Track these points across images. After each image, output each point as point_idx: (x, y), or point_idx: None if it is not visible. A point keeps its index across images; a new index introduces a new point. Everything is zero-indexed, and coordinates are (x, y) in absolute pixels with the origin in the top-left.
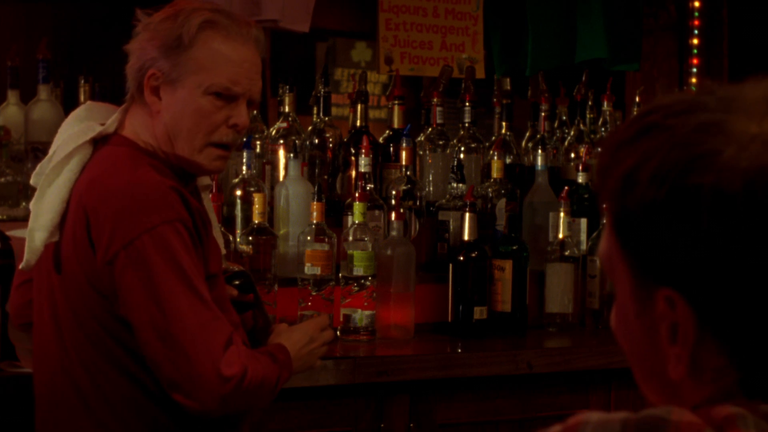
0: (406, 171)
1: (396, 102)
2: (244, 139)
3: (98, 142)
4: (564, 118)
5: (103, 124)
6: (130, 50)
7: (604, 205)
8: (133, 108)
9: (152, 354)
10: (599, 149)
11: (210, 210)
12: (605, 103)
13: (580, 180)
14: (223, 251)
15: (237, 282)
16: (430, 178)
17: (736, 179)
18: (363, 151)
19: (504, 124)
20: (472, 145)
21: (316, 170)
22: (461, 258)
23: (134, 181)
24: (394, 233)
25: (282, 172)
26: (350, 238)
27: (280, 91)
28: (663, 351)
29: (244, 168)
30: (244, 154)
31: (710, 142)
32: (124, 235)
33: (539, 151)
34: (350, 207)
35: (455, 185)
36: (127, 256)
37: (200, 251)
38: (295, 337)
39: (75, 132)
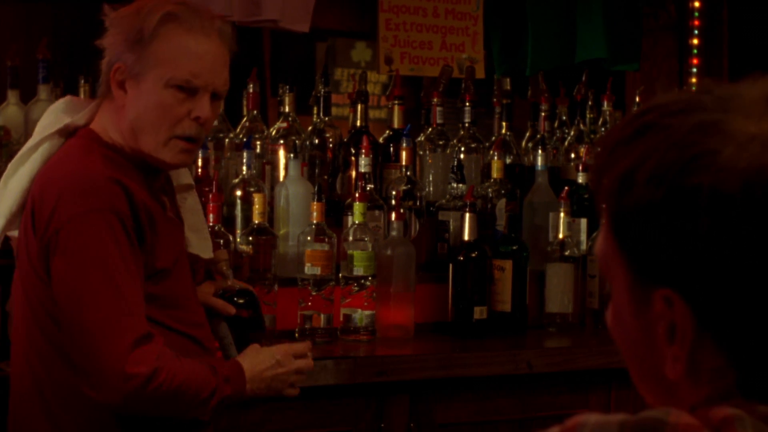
0: (406, 171)
1: (396, 102)
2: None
3: (70, 135)
4: (564, 118)
5: None
6: (103, 45)
7: (602, 205)
8: (104, 103)
9: (67, 340)
10: (597, 148)
11: (193, 210)
12: (605, 103)
13: (580, 180)
14: (208, 255)
15: (240, 300)
16: (430, 178)
17: (734, 180)
18: (363, 151)
19: (504, 124)
20: (472, 145)
21: (316, 170)
22: (461, 258)
23: (75, 170)
24: (394, 233)
25: (282, 172)
26: (350, 238)
27: (280, 91)
28: (660, 351)
29: (244, 168)
30: (245, 154)
31: (708, 143)
32: (56, 220)
33: (539, 151)
34: (350, 207)
35: (455, 185)
36: (56, 242)
37: (141, 246)
38: (260, 357)
39: (45, 124)
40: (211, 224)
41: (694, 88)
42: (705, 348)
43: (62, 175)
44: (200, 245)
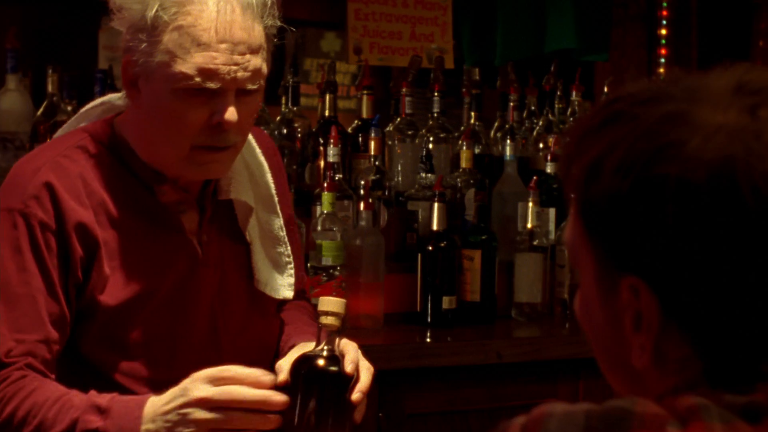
0: (375, 161)
1: (365, 92)
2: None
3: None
4: (533, 108)
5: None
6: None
7: (570, 193)
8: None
9: None
10: (566, 137)
11: (262, 235)
12: (574, 93)
13: (549, 170)
14: (283, 295)
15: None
16: (399, 168)
17: (700, 170)
18: (332, 141)
19: (473, 114)
20: (441, 135)
21: (285, 160)
22: (430, 248)
23: (22, 164)
24: (363, 223)
25: None
26: (319, 228)
27: None
28: (627, 340)
29: None
30: None
31: (675, 133)
32: None
33: (508, 141)
34: (319, 197)
35: (424, 175)
36: None
37: (68, 265)
38: (167, 396)
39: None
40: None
41: (662, 78)
42: (671, 337)
43: (15, 166)
44: (271, 282)
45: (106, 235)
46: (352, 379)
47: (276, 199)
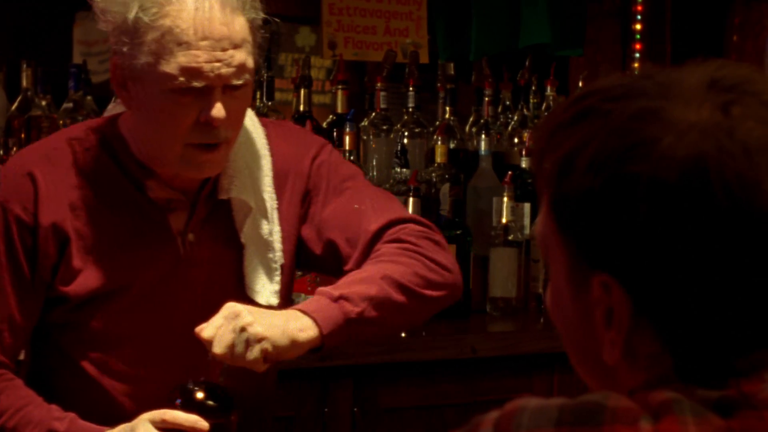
0: (350, 156)
1: (339, 87)
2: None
3: None
4: (508, 103)
5: None
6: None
7: (542, 188)
8: None
9: None
10: (537, 132)
11: (252, 240)
12: (549, 88)
13: (523, 165)
14: (264, 301)
15: (210, 402)
16: (374, 163)
17: (672, 169)
18: None
19: (448, 108)
20: (416, 130)
21: None
22: None
23: (15, 155)
24: None
25: None
26: None
27: None
28: (598, 335)
29: None
30: None
31: (647, 130)
32: None
33: (483, 136)
34: None
35: (399, 170)
36: None
37: (38, 256)
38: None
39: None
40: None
41: (635, 72)
42: (642, 333)
43: (14, 155)
44: (257, 287)
45: (82, 229)
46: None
47: (271, 205)
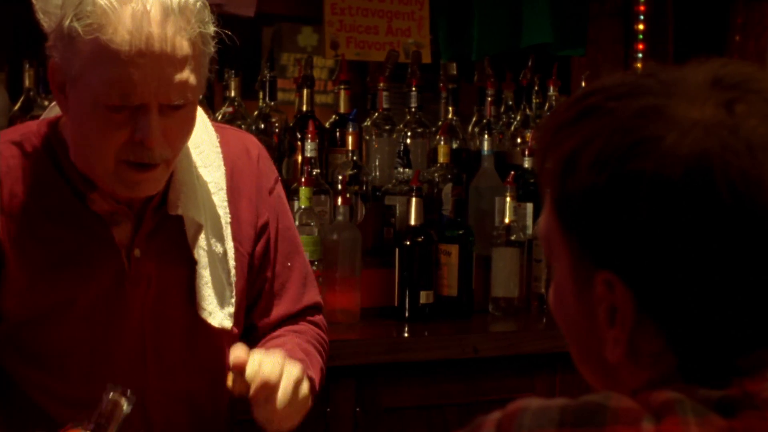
0: (353, 156)
1: (342, 87)
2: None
3: None
4: (510, 103)
5: None
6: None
7: (545, 186)
8: None
9: None
10: (540, 129)
11: (204, 259)
12: (551, 88)
13: (526, 165)
14: (216, 323)
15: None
16: (377, 163)
17: (676, 166)
18: (309, 135)
19: (450, 108)
20: (419, 130)
21: None
22: (407, 243)
23: None
24: (340, 218)
25: None
26: (296, 223)
27: (226, 75)
28: (601, 333)
29: None
30: None
31: (651, 128)
32: None
33: (485, 136)
34: (296, 192)
35: (401, 170)
36: None
37: None
38: None
39: None
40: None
41: (638, 71)
42: (645, 332)
43: None
44: (210, 308)
45: (20, 240)
46: None
47: (225, 221)
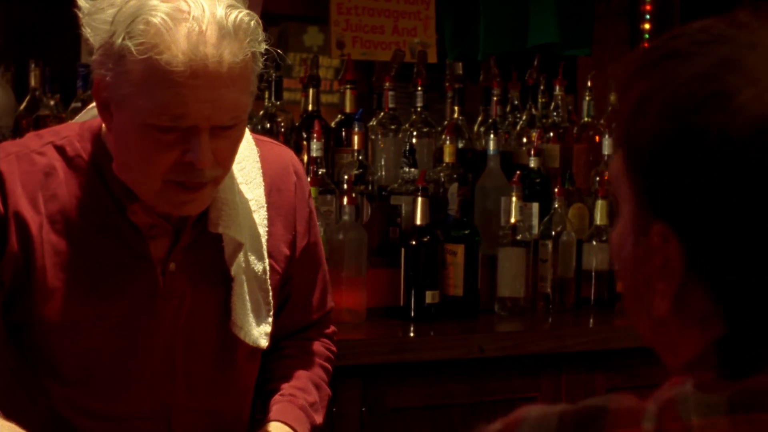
0: (358, 155)
1: (348, 86)
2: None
3: None
4: (516, 102)
5: None
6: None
7: (618, 125)
8: None
9: None
10: (623, 65)
11: (240, 278)
12: (557, 88)
13: (532, 164)
14: (251, 342)
15: None
16: (383, 163)
17: (746, 125)
18: (315, 135)
19: (456, 108)
20: (425, 130)
21: None
22: (413, 242)
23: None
24: (345, 218)
25: None
26: None
27: None
28: (652, 284)
29: None
30: None
31: (727, 81)
32: None
33: (491, 135)
34: None
35: (407, 170)
36: None
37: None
38: None
39: None
40: None
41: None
42: (693, 290)
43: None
44: (246, 327)
45: (58, 245)
46: None
47: (264, 239)
